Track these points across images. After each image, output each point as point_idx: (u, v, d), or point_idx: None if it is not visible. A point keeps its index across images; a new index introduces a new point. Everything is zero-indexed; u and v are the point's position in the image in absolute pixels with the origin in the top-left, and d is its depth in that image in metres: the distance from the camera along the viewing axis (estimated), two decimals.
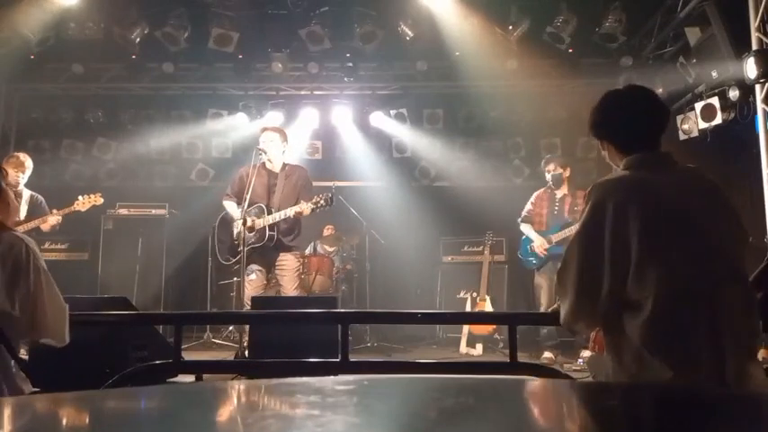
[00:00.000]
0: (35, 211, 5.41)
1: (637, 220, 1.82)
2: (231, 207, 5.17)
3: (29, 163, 5.43)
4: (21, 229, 4.93)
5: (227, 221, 5.26)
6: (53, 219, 5.31)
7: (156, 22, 6.80)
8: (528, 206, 5.84)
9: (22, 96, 7.80)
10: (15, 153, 5.59)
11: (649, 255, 1.80)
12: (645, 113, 2.04)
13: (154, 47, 6.99)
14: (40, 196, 5.53)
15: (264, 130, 5.26)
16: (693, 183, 1.96)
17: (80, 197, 5.56)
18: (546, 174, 5.78)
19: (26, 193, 5.46)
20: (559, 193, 5.72)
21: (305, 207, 4.78)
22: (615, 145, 2.06)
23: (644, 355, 1.77)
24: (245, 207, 4.86)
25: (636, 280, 1.80)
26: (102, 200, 5.69)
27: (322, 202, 4.78)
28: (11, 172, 5.20)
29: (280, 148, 5.14)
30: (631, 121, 2.04)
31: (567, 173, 5.76)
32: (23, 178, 5.38)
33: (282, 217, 4.87)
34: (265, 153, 5.04)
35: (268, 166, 5.12)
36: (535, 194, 5.87)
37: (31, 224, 5.22)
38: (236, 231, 5.09)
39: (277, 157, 5.13)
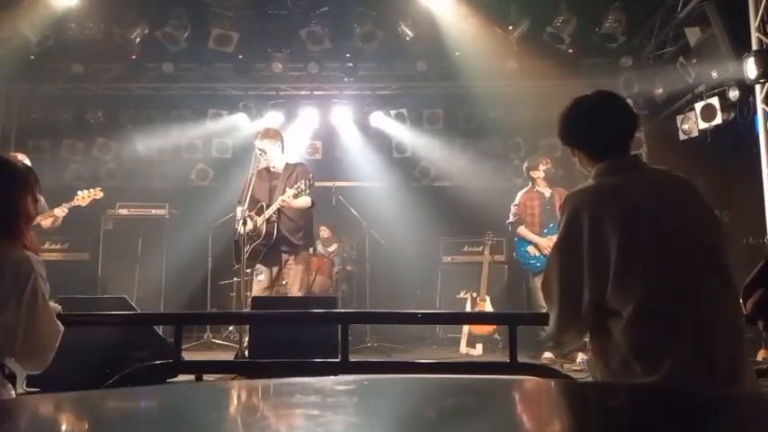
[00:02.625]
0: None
1: (613, 229, 1.82)
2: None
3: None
4: None
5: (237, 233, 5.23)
6: (59, 211, 5.25)
7: (156, 22, 6.80)
8: (514, 208, 5.73)
9: (22, 96, 7.79)
10: (13, 153, 5.58)
11: (628, 261, 1.80)
12: (614, 120, 2.04)
13: (154, 47, 6.99)
14: (40, 196, 5.51)
15: (258, 137, 5.10)
16: (666, 183, 1.97)
17: (80, 192, 5.53)
18: (534, 173, 5.67)
19: None
20: (547, 192, 5.68)
21: (288, 193, 4.70)
22: (585, 152, 2.07)
23: (630, 359, 1.77)
24: (245, 208, 4.84)
25: (616, 288, 1.79)
26: (101, 193, 5.65)
27: (302, 186, 4.68)
28: None
29: (277, 149, 5.09)
30: (601, 128, 2.03)
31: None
32: None
33: (274, 209, 4.80)
34: (265, 153, 5.01)
35: (271, 168, 5.10)
36: (521, 194, 5.77)
37: (37, 219, 5.22)
38: (238, 231, 5.09)
39: (278, 159, 5.10)
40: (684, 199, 1.93)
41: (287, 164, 5.15)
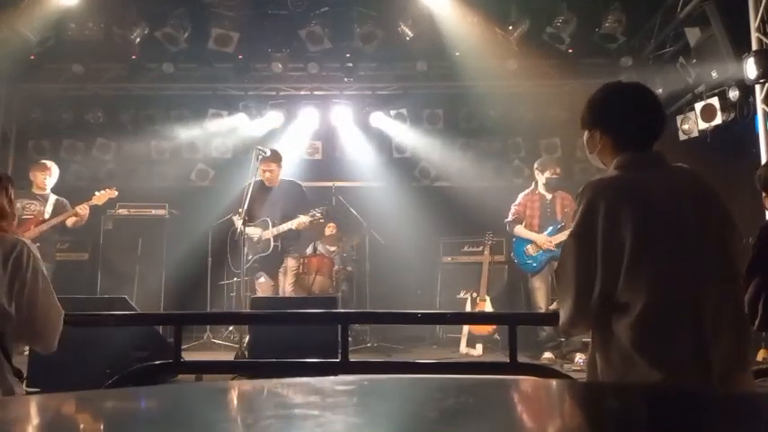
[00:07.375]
0: (60, 214, 5.76)
1: (629, 222, 1.79)
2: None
3: (54, 169, 5.97)
4: (44, 226, 5.52)
5: (236, 237, 5.70)
6: (81, 209, 5.65)
7: (156, 22, 6.80)
8: (514, 208, 5.81)
9: (22, 96, 7.78)
10: (42, 161, 6.14)
11: (641, 256, 1.78)
12: (649, 112, 2.00)
13: (154, 47, 6.98)
14: (65, 200, 5.94)
15: (263, 161, 5.56)
16: (686, 183, 1.93)
17: (97, 192, 5.89)
18: (541, 176, 5.75)
19: (52, 197, 5.89)
20: (548, 196, 5.73)
21: (304, 220, 5.39)
22: (612, 139, 1.99)
23: (633, 356, 1.76)
24: (244, 218, 5.30)
25: (627, 281, 1.78)
26: (116, 192, 6.07)
27: (318, 214, 5.43)
28: (39, 176, 5.79)
29: (278, 172, 5.68)
30: (636, 117, 1.98)
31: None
32: (50, 182, 5.90)
33: (283, 230, 5.46)
34: (265, 153, 5.44)
35: (267, 183, 5.63)
36: (522, 195, 5.84)
37: (59, 219, 5.62)
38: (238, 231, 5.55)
39: (275, 179, 5.69)
40: (704, 202, 1.89)
41: (281, 180, 5.74)
